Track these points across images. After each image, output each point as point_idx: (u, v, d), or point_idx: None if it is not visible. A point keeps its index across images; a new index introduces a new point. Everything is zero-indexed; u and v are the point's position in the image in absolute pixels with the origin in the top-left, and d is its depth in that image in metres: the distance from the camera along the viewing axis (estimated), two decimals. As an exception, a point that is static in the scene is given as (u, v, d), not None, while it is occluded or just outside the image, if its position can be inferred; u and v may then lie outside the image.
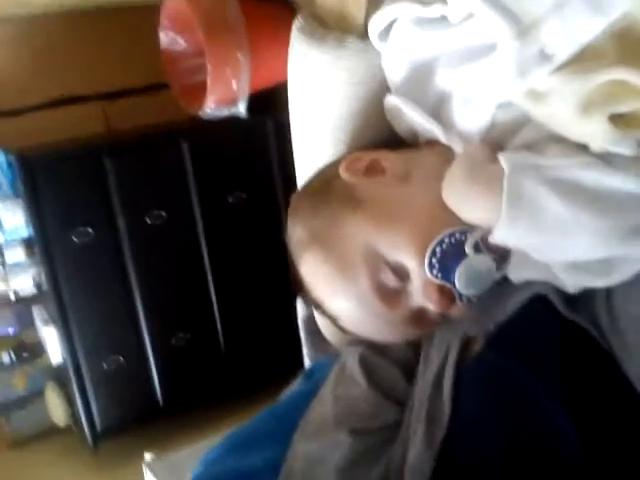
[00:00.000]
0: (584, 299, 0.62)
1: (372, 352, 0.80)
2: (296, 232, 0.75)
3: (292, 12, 0.88)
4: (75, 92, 1.76)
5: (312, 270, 0.73)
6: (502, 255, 0.66)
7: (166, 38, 1.74)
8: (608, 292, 0.60)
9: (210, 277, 1.78)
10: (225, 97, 1.63)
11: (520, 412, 0.60)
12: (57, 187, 1.58)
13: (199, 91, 1.65)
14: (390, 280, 0.68)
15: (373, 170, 0.72)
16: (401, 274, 0.68)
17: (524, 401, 0.60)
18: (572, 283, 0.61)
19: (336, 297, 0.71)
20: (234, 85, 1.60)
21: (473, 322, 0.69)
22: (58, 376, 1.84)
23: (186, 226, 1.74)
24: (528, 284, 0.65)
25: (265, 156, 1.74)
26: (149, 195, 1.69)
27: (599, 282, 0.60)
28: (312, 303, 0.76)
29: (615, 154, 0.59)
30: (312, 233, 0.72)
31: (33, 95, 1.71)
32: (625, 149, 0.58)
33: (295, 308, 1.18)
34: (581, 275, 0.60)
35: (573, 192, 0.58)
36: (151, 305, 1.73)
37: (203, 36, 1.55)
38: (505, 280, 0.67)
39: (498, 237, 0.60)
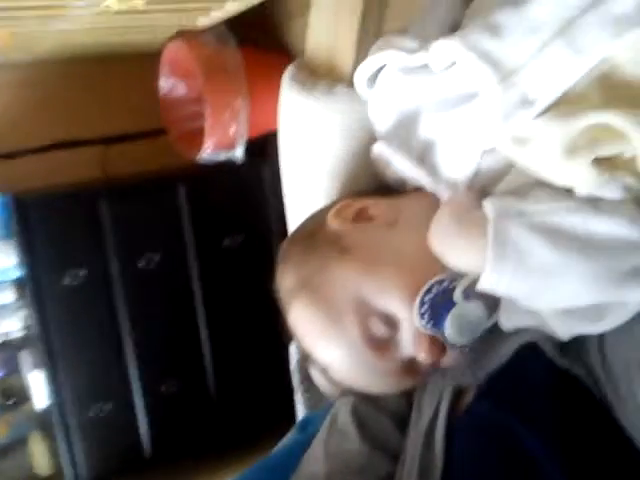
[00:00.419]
0: (577, 346, 0.60)
1: (364, 403, 0.79)
2: (285, 279, 0.74)
3: (291, 60, 0.89)
4: (73, 136, 1.77)
5: (301, 318, 0.72)
6: (492, 302, 0.65)
7: (166, 84, 1.77)
8: (600, 338, 0.59)
9: (203, 323, 1.76)
10: (223, 142, 1.63)
11: (513, 466, 0.58)
12: (51, 229, 1.57)
13: (197, 137, 1.66)
14: (380, 329, 0.67)
15: (361, 217, 0.72)
16: (391, 323, 0.67)
17: (517, 455, 0.57)
18: (563, 330, 0.59)
19: (325, 346, 0.70)
20: (232, 130, 1.61)
21: (465, 372, 0.67)
22: (43, 423, 1.79)
23: (180, 270, 1.73)
24: (520, 331, 0.63)
25: (261, 201, 1.74)
26: (144, 238, 1.68)
27: (591, 328, 0.58)
28: (301, 352, 0.75)
29: (601, 199, 0.58)
30: (301, 280, 0.71)
31: (31, 138, 1.72)
32: (611, 193, 0.57)
33: (288, 355, 1.17)
34: (572, 322, 0.58)
35: (560, 237, 0.57)
36: (141, 351, 1.70)
37: (203, 81, 1.57)
38: (497, 327, 0.66)
39: (485, 285, 0.59)
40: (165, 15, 1.43)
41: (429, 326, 0.65)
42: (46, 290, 1.57)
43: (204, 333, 1.76)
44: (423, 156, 0.71)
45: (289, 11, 1.70)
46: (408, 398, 0.77)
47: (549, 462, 0.55)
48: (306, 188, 0.84)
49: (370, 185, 0.79)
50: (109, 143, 1.80)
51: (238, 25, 1.62)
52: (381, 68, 0.71)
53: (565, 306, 0.59)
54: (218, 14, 1.48)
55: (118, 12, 1.29)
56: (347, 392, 0.81)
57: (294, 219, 0.88)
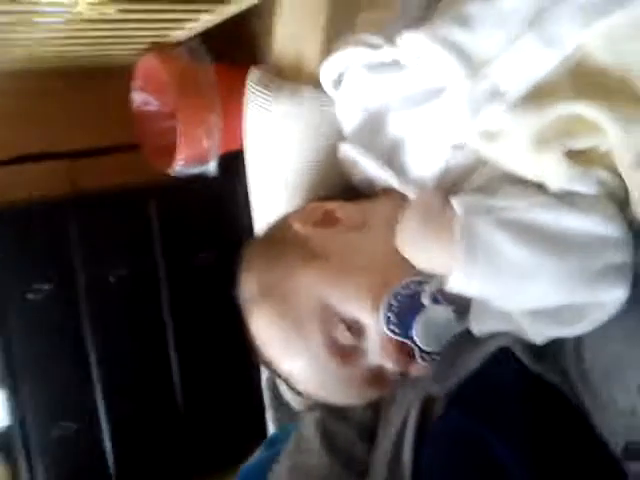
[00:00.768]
0: (552, 351, 0.58)
1: (331, 416, 0.76)
2: (248, 286, 0.72)
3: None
4: (42, 149, 1.74)
5: (263, 326, 0.69)
6: (462, 306, 0.62)
7: (139, 98, 1.74)
8: (577, 343, 0.57)
9: (172, 340, 1.72)
10: (195, 156, 1.61)
11: (483, 476, 0.55)
12: (15, 242, 1.53)
13: (169, 151, 1.64)
14: (345, 337, 0.64)
15: (327, 221, 0.70)
16: (356, 330, 0.65)
17: (487, 464, 0.55)
18: (537, 333, 0.57)
19: (288, 355, 0.68)
20: (205, 144, 1.59)
21: (434, 380, 0.65)
22: (2, 444, 1.73)
23: (149, 286, 1.69)
24: (492, 337, 0.61)
25: (234, 218, 1.71)
26: (112, 253, 1.64)
27: (567, 331, 0.56)
28: (264, 363, 0.72)
29: (574, 194, 0.56)
30: (264, 287, 0.69)
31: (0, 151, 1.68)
32: (584, 187, 0.56)
33: (259, 373, 1.14)
34: (547, 324, 0.56)
35: (530, 234, 0.55)
36: (107, 368, 1.65)
37: (175, 95, 1.55)
38: (468, 334, 0.63)
39: (454, 285, 0.57)
40: (138, 27, 1.41)
41: (396, 331, 0.63)
42: (8, 305, 1.52)
43: (173, 351, 1.72)
44: (391, 156, 0.69)
45: (265, 27, 1.70)
46: (376, 410, 0.75)
47: (519, 470, 0.53)
48: (272, 193, 0.82)
49: (337, 189, 0.77)
50: (79, 157, 1.77)
51: (213, 41, 1.61)
52: (346, 69, 0.70)
53: (537, 307, 0.57)
54: (193, 26, 1.46)
55: (90, 21, 1.27)
56: (315, 405, 0.79)
57: (261, 226, 0.85)
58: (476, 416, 0.58)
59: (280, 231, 0.74)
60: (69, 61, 1.63)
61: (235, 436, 1.71)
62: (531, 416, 0.56)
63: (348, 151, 0.72)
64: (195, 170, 1.64)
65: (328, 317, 0.64)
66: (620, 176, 0.56)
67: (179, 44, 1.62)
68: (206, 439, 1.80)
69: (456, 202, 0.58)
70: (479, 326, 0.62)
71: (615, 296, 0.54)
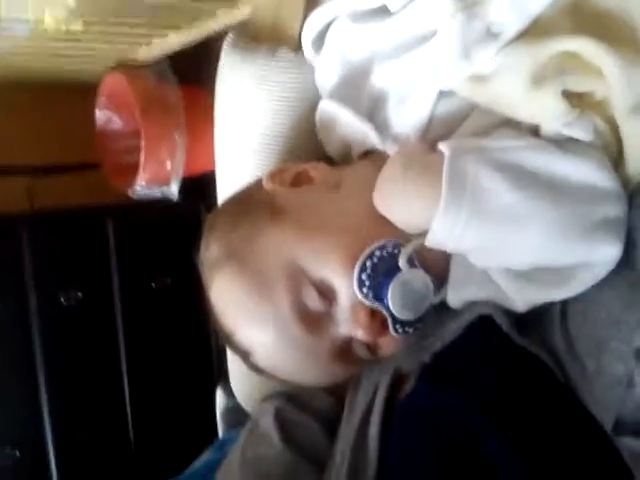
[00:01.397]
0: (537, 320, 0.54)
1: (290, 404, 0.71)
2: (210, 250, 0.66)
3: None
4: (2, 164, 1.69)
5: (224, 292, 0.64)
6: (440, 276, 0.59)
7: (102, 116, 1.72)
8: (563, 312, 0.53)
9: (124, 366, 1.66)
10: (158, 176, 1.58)
11: (457, 455, 0.50)
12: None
13: (131, 171, 1.60)
14: (314, 302, 0.59)
15: (300, 180, 0.65)
16: (327, 294, 0.59)
17: (461, 442, 0.50)
18: (522, 298, 0.53)
19: (250, 323, 0.62)
20: (168, 165, 1.57)
21: (407, 353, 0.60)
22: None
23: (103, 309, 1.63)
24: (472, 307, 0.56)
25: (194, 242, 1.68)
26: (66, 273, 1.59)
27: (553, 294, 0.52)
28: (222, 336, 0.66)
29: (570, 140, 0.53)
30: (228, 249, 0.64)
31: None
32: (580, 132, 0.53)
33: (214, 401, 1.11)
34: (532, 288, 0.52)
35: (523, 177, 0.51)
36: (56, 393, 1.58)
37: (140, 113, 1.52)
38: (446, 309, 0.59)
39: (437, 234, 0.52)
40: (104, 43, 1.39)
41: (370, 295, 0.58)
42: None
43: (125, 377, 1.66)
44: (373, 111, 0.65)
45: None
46: (340, 400, 0.69)
47: (497, 440, 0.49)
48: (239, 160, 0.77)
49: (311, 158, 0.72)
50: (37, 174, 1.73)
51: (180, 63, 1.60)
52: (328, 25, 0.67)
53: (525, 262, 0.53)
54: (160, 46, 1.44)
55: (55, 35, 1.25)
56: (271, 397, 0.74)
57: (223, 195, 0.80)
58: (451, 388, 0.53)
59: (248, 191, 0.70)
60: (33, 76, 1.59)
61: (187, 464, 1.67)
62: (512, 389, 0.52)
63: (327, 106, 0.68)
64: (156, 192, 1.61)
65: (297, 279, 0.59)
66: (615, 129, 0.53)
67: (146, 64, 1.61)
68: (157, 467, 1.73)
69: (443, 144, 0.54)
70: (458, 294, 0.58)
71: (608, 253, 0.50)
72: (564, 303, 0.53)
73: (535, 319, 0.54)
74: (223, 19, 1.21)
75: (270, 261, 0.61)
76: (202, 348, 1.65)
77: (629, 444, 0.48)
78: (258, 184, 0.68)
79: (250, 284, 0.62)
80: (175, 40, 1.41)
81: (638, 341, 0.48)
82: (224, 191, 0.80)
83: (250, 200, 0.67)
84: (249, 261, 0.62)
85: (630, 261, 0.51)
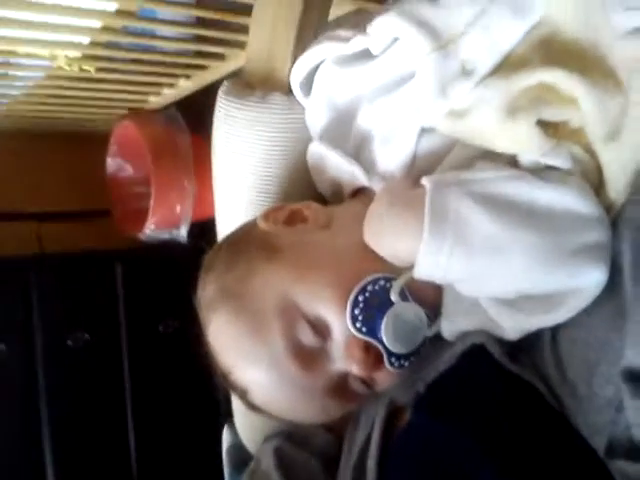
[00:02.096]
0: (529, 347, 0.54)
1: (289, 444, 0.72)
2: (206, 291, 0.67)
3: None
4: (13, 208, 1.72)
5: (220, 331, 0.64)
6: (432, 309, 0.59)
7: (113, 164, 1.75)
8: (553, 337, 0.53)
9: (129, 407, 1.64)
10: (167, 220, 1.60)
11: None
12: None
13: (141, 216, 1.63)
14: (308, 338, 0.60)
15: (294, 219, 0.67)
16: (321, 331, 0.60)
17: (457, 473, 0.50)
18: (512, 326, 0.54)
19: (246, 361, 0.63)
20: (177, 209, 1.59)
21: (402, 387, 0.60)
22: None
23: (110, 351, 1.63)
24: (464, 337, 0.57)
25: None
26: (73, 316, 1.60)
27: (544, 321, 0.53)
28: (220, 377, 0.66)
29: (548, 169, 0.54)
30: (224, 288, 0.65)
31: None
32: (558, 160, 0.54)
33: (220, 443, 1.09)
34: (521, 314, 0.53)
35: (504, 207, 0.52)
36: (60, 436, 1.56)
37: (150, 158, 1.56)
38: (441, 341, 0.59)
39: (422, 266, 0.53)
40: (116, 89, 1.43)
41: (363, 330, 0.58)
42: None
43: (130, 419, 1.64)
44: (359, 151, 0.67)
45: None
46: (339, 437, 0.70)
47: (491, 472, 0.49)
48: (236, 201, 0.78)
49: (305, 198, 0.74)
50: (47, 219, 1.75)
51: (189, 110, 1.63)
52: (315, 69, 0.69)
53: (512, 290, 0.53)
54: (170, 93, 1.48)
55: (69, 78, 1.29)
56: (272, 437, 0.74)
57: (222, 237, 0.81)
58: (446, 418, 0.54)
59: (243, 231, 0.71)
60: (46, 122, 1.64)
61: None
62: (506, 417, 0.52)
63: (316, 148, 0.70)
64: (166, 235, 1.63)
65: (291, 316, 0.60)
66: (593, 156, 0.54)
67: (156, 111, 1.65)
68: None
69: (425, 179, 0.55)
70: (451, 326, 0.58)
71: (594, 278, 0.51)
72: (554, 329, 0.54)
73: (527, 346, 0.55)
74: (229, 66, 1.25)
75: (264, 299, 0.62)
76: (208, 389, 1.64)
77: (622, 467, 0.48)
78: (253, 224, 0.70)
79: (245, 324, 0.62)
80: (186, 88, 1.45)
81: (624, 362, 0.48)
82: (222, 232, 0.83)
83: (245, 240, 0.69)
84: (244, 301, 0.63)
85: (616, 286, 0.51)
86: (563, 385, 0.52)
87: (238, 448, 0.98)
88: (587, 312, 0.51)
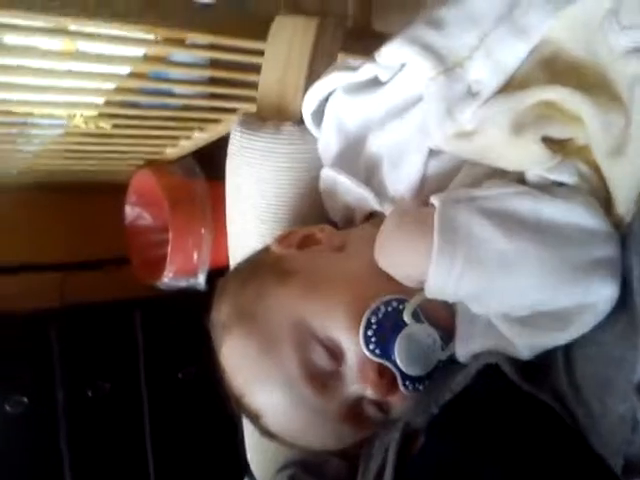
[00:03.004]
0: (543, 366, 0.54)
1: (303, 473, 0.71)
2: (220, 313, 0.67)
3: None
4: (34, 260, 1.74)
5: (233, 353, 0.64)
6: (446, 330, 0.59)
7: (132, 213, 1.78)
8: (566, 355, 0.53)
9: (150, 455, 1.64)
10: (185, 268, 1.62)
11: None
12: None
13: (159, 265, 1.65)
14: (322, 360, 0.60)
15: (307, 242, 0.68)
16: (334, 353, 0.60)
17: None
18: (524, 344, 0.53)
19: (259, 384, 0.62)
20: (195, 257, 1.61)
21: (416, 410, 0.59)
22: None
23: (130, 400, 1.63)
24: (478, 357, 0.56)
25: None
26: (94, 365, 1.61)
27: (554, 338, 0.52)
28: (233, 400, 0.66)
29: (554, 184, 0.55)
30: (237, 311, 0.65)
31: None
32: (564, 176, 0.54)
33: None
34: (535, 333, 0.53)
35: (513, 223, 0.52)
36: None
37: (168, 207, 1.58)
38: (455, 363, 0.59)
39: (433, 283, 0.53)
40: (133, 142, 1.46)
41: (377, 352, 0.58)
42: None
43: (152, 467, 1.64)
44: (370, 176, 0.68)
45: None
46: (353, 463, 0.68)
47: None
48: (248, 230, 0.80)
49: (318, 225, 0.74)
50: (68, 270, 1.78)
51: (206, 158, 1.66)
52: (326, 99, 0.70)
53: (525, 306, 0.53)
54: (186, 144, 1.51)
55: (86, 135, 1.32)
56: (287, 466, 0.73)
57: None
58: (460, 439, 0.53)
59: (257, 256, 0.72)
60: (65, 175, 1.67)
61: None
62: (521, 437, 0.51)
63: (328, 174, 0.71)
64: (183, 283, 1.64)
65: (304, 337, 0.60)
66: (600, 173, 0.55)
67: (173, 161, 1.67)
68: None
69: (434, 197, 0.56)
70: (465, 348, 0.58)
71: (605, 294, 0.50)
72: (567, 348, 0.53)
73: (541, 365, 0.54)
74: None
75: (278, 321, 0.62)
76: (228, 437, 1.63)
77: None
78: (266, 248, 0.71)
79: (258, 345, 0.62)
80: (199, 139, 1.47)
81: (637, 378, 0.48)
82: (235, 261, 0.83)
83: (258, 263, 0.69)
84: (257, 322, 0.63)
85: (627, 301, 0.51)
86: (577, 404, 0.51)
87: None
88: (600, 329, 0.51)
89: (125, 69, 1.01)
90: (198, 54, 1.03)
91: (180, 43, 0.96)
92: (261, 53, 0.82)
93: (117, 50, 0.95)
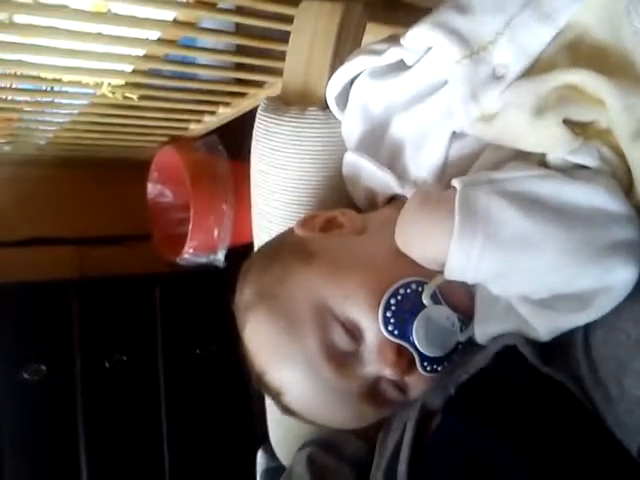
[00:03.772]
0: (561, 349, 0.54)
1: (322, 451, 0.73)
2: (244, 294, 0.68)
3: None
4: (55, 234, 1.76)
5: (256, 332, 0.66)
6: (465, 312, 0.60)
7: (154, 190, 1.79)
8: (585, 338, 0.53)
9: (165, 429, 1.65)
10: (205, 245, 1.63)
11: None
12: (14, 320, 1.52)
13: (180, 241, 1.66)
14: (342, 340, 0.61)
15: (330, 226, 0.69)
16: (354, 333, 0.61)
17: (487, 475, 0.50)
18: (543, 325, 0.54)
19: (280, 360, 0.64)
20: (215, 234, 1.61)
21: (433, 391, 0.60)
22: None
23: (147, 373, 1.65)
24: (496, 339, 0.57)
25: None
26: (112, 338, 1.62)
27: (576, 319, 0.53)
28: (255, 378, 0.68)
29: (576, 167, 0.55)
30: (260, 291, 0.66)
31: (10, 232, 1.70)
32: (586, 159, 0.55)
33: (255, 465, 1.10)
34: (553, 313, 0.53)
35: (533, 204, 0.53)
36: (97, 455, 1.58)
37: (189, 184, 1.59)
38: (473, 345, 0.60)
39: (453, 264, 0.54)
40: (158, 117, 1.46)
41: (395, 333, 0.59)
42: (2, 383, 1.49)
43: (165, 440, 1.65)
44: (392, 160, 0.69)
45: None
46: (371, 444, 0.70)
47: (521, 473, 0.48)
48: (272, 213, 0.81)
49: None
50: (89, 244, 1.79)
51: (229, 136, 1.66)
52: (351, 82, 0.71)
53: (545, 287, 0.54)
54: (211, 120, 1.51)
55: (112, 106, 1.32)
56: (305, 445, 0.75)
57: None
58: (474, 420, 0.53)
59: (280, 239, 0.73)
60: (89, 150, 1.68)
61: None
62: (538, 418, 0.52)
63: (351, 158, 0.72)
64: (203, 259, 1.65)
65: (325, 318, 0.61)
66: (622, 156, 0.55)
67: (197, 138, 1.68)
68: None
69: (455, 180, 0.56)
70: (484, 329, 0.58)
71: (624, 276, 0.51)
72: (586, 331, 0.54)
73: (559, 348, 0.54)
74: (268, 93, 1.27)
75: (299, 301, 0.63)
76: (244, 413, 1.64)
77: None
78: (289, 231, 0.72)
79: (280, 323, 0.63)
80: (224, 115, 1.47)
81: None
82: (259, 243, 0.85)
83: (282, 246, 0.71)
84: (280, 301, 0.64)
85: None
86: (595, 386, 0.51)
87: (272, 472, 0.99)
88: (618, 311, 0.51)
89: (155, 34, 1.02)
90: (228, 19, 1.03)
91: (211, 7, 0.95)
92: (291, 20, 0.82)
93: (148, 12, 0.95)
